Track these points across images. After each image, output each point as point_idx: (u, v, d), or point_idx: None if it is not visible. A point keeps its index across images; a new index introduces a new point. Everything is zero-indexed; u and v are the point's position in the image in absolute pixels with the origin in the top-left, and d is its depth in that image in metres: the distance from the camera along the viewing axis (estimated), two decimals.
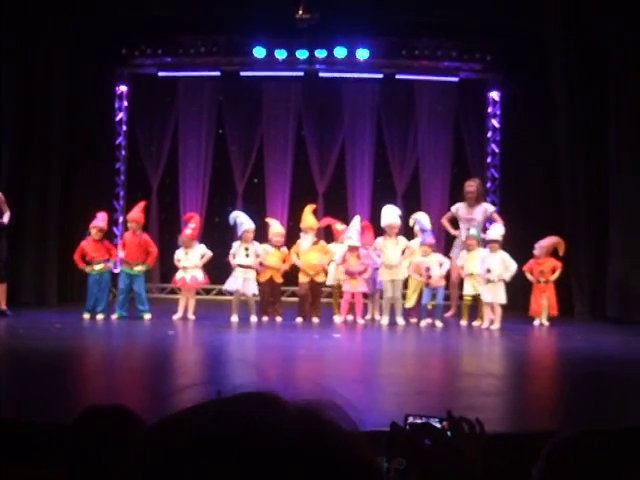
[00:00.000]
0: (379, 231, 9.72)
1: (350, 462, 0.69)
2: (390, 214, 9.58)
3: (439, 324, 9.28)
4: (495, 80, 11.94)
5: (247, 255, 9.36)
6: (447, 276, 9.65)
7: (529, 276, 9.55)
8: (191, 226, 9.64)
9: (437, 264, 9.40)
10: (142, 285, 9.38)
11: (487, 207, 10.24)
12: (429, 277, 9.32)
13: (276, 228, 9.74)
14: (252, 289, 9.34)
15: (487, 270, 9.12)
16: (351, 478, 0.69)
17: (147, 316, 9.24)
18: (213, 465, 0.65)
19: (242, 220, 9.49)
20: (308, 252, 9.54)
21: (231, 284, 9.40)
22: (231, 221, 9.70)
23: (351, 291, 9.39)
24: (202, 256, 9.50)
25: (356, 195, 12.28)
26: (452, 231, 10.31)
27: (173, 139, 12.38)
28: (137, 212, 9.54)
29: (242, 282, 9.29)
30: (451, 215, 10.35)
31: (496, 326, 9.01)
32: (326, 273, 9.71)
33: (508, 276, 9.12)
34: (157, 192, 12.39)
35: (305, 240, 9.62)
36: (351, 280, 9.38)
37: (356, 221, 9.65)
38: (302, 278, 9.55)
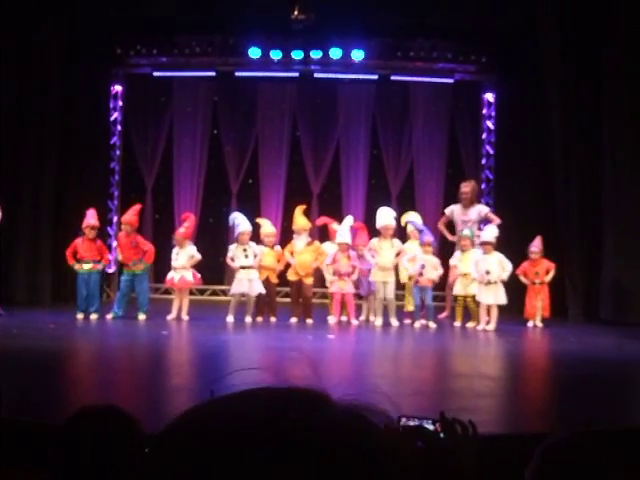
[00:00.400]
0: (373, 232, 9.71)
1: (391, 468, 0.68)
2: (385, 215, 9.56)
3: (433, 325, 9.28)
4: (490, 82, 11.94)
5: (246, 256, 9.33)
6: (444, 277, 9.70)
7: (523, 279, 9.57)
8: (185, 225, 9.64)
9: (433, 267, 9.41)
10: (143, 285, 9.38)
11: (481, 208, 10.23)
12: (420, 274, 9.34)
13: (267, 228, 9.71)
14: (258, 289, 9.30)
15: (486, 272, 9.13)
16: None
17: (142, 317, 9.22)
18: (247, 461, 0.63)
19: (239, 222, 9.47)
20: (303, 253, 9.52)
21: (236, 288, 9.34)
22: (230, 222, 9.69)
23: (339, 292, 9.39)
24: (191, 257, 9.49)
25: (351, 196, 12.26)
26: (450, 237, 10.25)
27: (168, 139, 12.35)
28: (132, 215, 9.51)
29: (247, 284, 9.27)
30: (446, 219, 10.32)
31: (491, 327, 9.03)
32: (321, 276, 9.72)
33: (506, 276, 9.18)
34: (152, 192, 12.36)
35: (299, 241, 9.60)
36: (339, 281, 9.37)
37: (348, 220, 9.65)
38: (291, 276, 9.55)
